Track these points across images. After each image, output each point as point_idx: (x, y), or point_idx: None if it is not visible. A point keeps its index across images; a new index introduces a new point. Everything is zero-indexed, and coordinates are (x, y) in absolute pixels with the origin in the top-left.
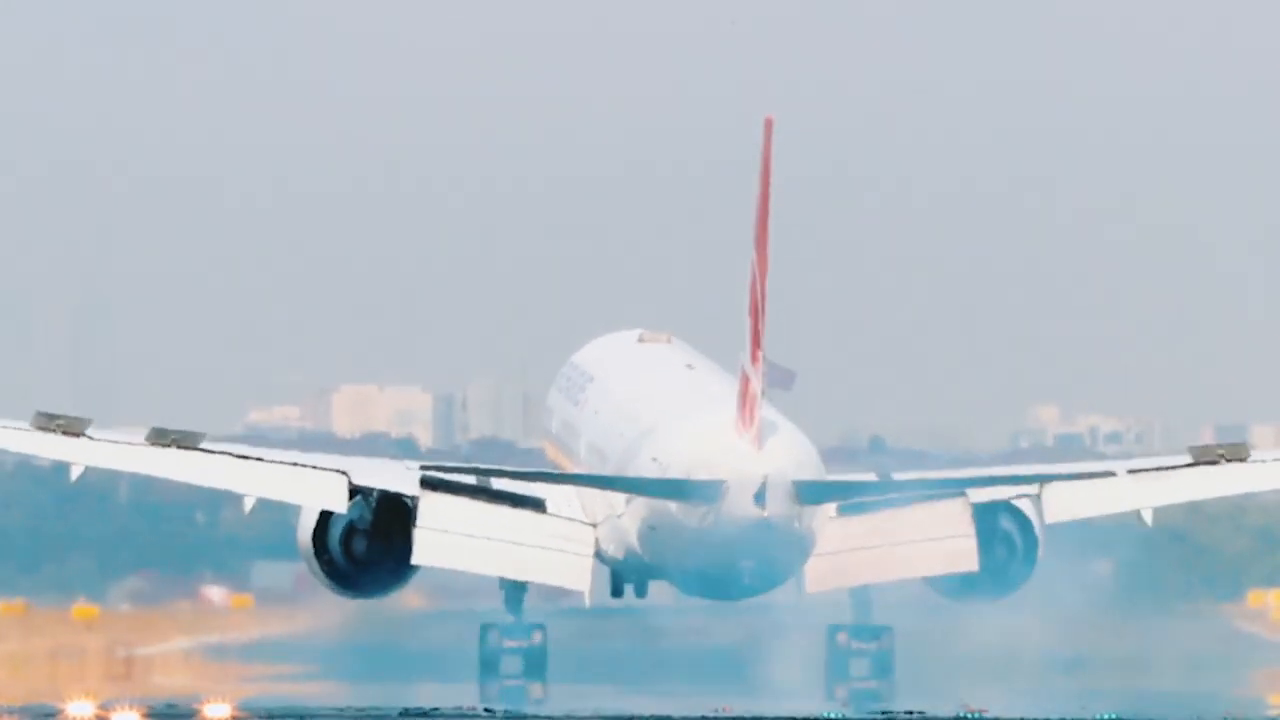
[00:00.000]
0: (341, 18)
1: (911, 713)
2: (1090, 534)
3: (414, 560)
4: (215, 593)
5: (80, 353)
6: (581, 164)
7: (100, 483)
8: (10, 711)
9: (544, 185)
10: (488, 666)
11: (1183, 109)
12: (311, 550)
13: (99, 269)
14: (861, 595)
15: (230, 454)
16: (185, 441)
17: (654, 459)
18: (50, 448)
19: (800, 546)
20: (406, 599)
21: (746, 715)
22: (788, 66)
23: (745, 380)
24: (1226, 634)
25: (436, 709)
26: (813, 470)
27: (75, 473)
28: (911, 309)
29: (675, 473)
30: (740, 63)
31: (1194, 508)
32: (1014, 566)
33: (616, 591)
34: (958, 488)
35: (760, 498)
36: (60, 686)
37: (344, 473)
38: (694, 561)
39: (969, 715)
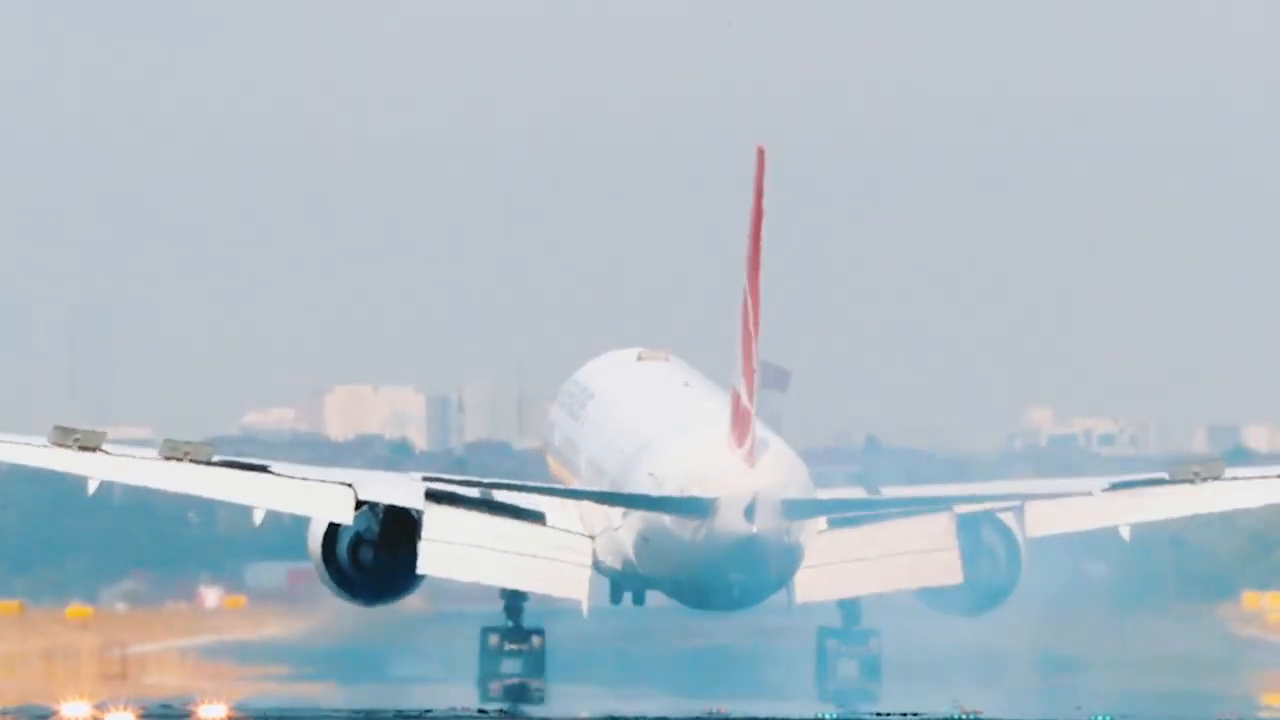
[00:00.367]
0: (338, 21)
1: (906, 714)
2: (1086, 535)
3: (419, 570)
4: (210, 593)
5: (77, 356)
6: (579, 165)
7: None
8: (6, 712)
9: (540, 186)
10: (487, 669)
11: (1178, 111)
12: (321, 559)
13: (96, 273)
14: (850, 601)
15: (241, 467)
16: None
17: (650, 474)
18: (67, 462)
19: (789, 560)
20: (406, 601)
21: (742, 717)
22: (784, 68)
23: (737, 400)
24: (1222, 636)
25: (431, 711)
26: (802, 487)
27: (92, 486)
28: (907, 310)
29: (670, 487)
30: (739, 65)
31: None
32: (997, 579)
33: (615, 599)
34: (943, 505)
35: (750, 513)
36: (55, 687)
37: (350, 485)
38: (686, 574)
39: (963, 717)
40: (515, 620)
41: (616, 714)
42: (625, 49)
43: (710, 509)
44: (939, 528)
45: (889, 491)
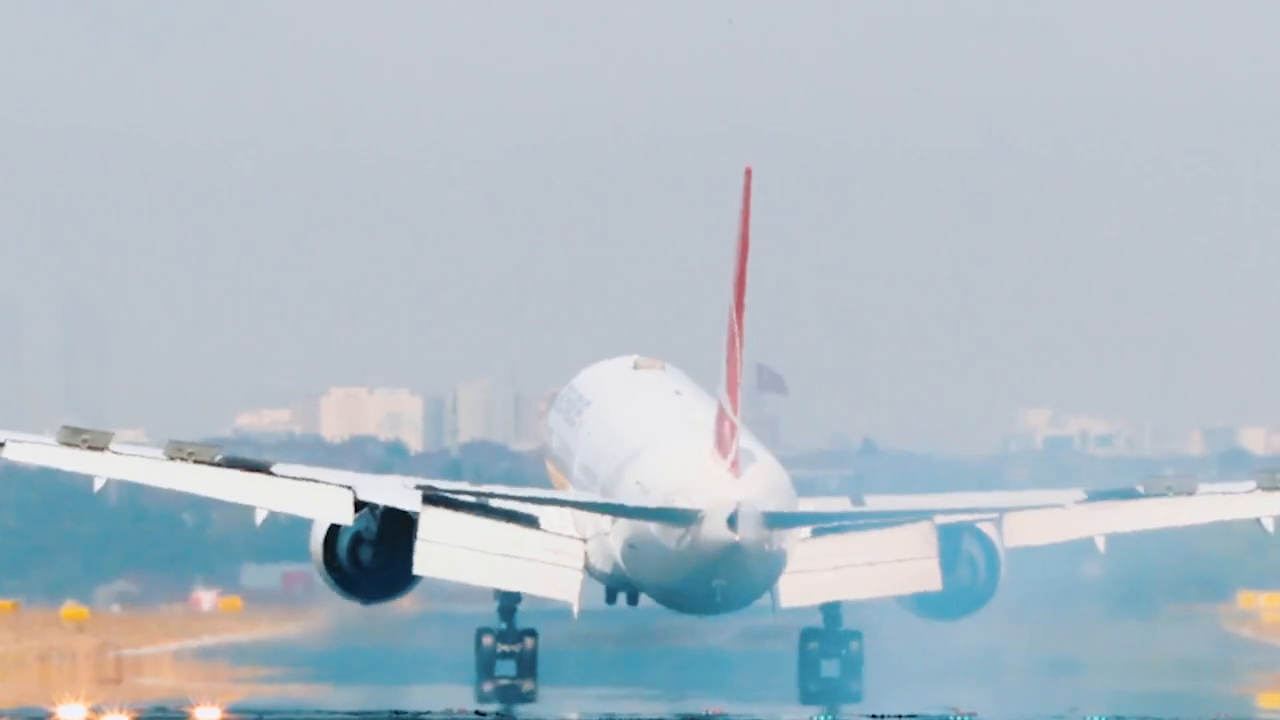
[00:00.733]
0: (333, 28)
1: (902, 715)
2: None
3: (414, 570)
4: (205, 595)
5: (72, 357)
6: (576, 168)
7: (89, 484)
8: (2, 714)
9: (536, 187)
10: (482, 670)
11: (1176, 115)
12: (322, 558)
13: (90, 275)
14: (832, 604)
15: (245, 466)
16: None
17: (638, 482)
18: (75, 461)
19: (771, 567)
20: (401, 602)
21: (736, 717)
22: (782, 75)
23: (721, 413)
24: (1217, 636)
25: (428, 712)
26: (784, 498)
27: (98, 484)
28: (903, 313)
29: (656, 496)
30: (738, 68)
31: None
32: (977, 586)
33: (610, 599)
34: (922, 516)
35: (733, 523)
36: (50, 689)
37: (350, 488)
38: (671, 579)
39: (959, 718)
40: (509, 621)
41: (614, 714)
42: (625, 55)
43: (694, 519)
44: (919, 537)
45: (872, 500)
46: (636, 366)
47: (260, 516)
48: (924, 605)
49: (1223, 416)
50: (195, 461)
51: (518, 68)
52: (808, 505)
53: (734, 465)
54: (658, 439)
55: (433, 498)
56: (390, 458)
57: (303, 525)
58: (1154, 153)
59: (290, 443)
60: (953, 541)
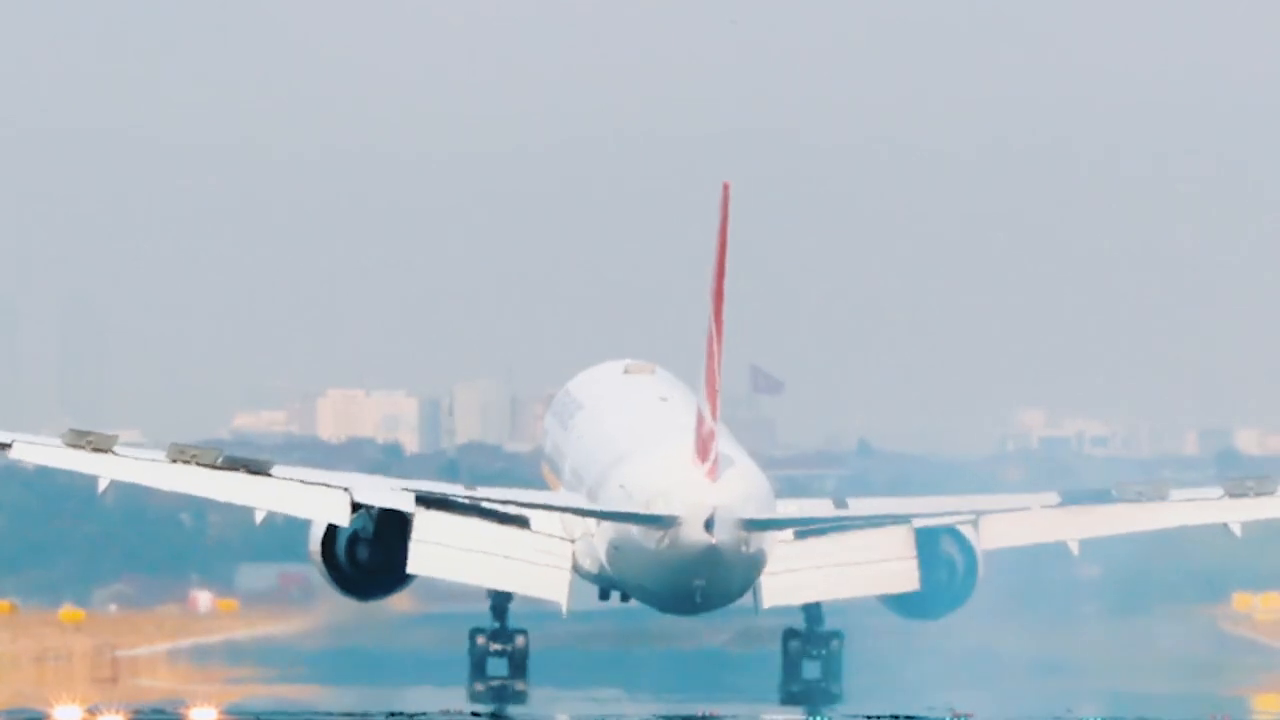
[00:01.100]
0: (330, 30)
1: (899, 715)
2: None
3: (408, 570)
4: (201, 596)
5: (70, 357)
6: (573, 169)
7: (86, 486)
8: None
9: (532, 190)
10: (475, 669)
11: (1173, 116)
12: (321, 557)
13: (87, 276)
14: (813, 605)
15: (246, 468)
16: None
17: (620, 486)
18: (80, 463)
19: (749, 569)
20: (397, 603)
21: (730, 717)
22: (780, 70)
23: (701, 421)
24: (1212, 636)
25: (424, 713)
26: (761, 502)
27: (102, 485)
28: (899, 314)
29: (638, 499)
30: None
31: None
32: (955, 586)
33: (603, 595)
34: (899, 521)
35: (710, 527)
36: (47, 690)
37: (347, 489)
38: (652, 580)
39: (955, 719)
40: (500, 621)
41: (606, 716)
42: (625, 56)
43: (672, 523)
44: (898, 539)
45: (855, 503)
46: (628, 371)
47: (259, 516)
48: (905, 605)
49: (1218, 418)
50: (197, 464)
51: (515, 69)
52: (789, 508)
53: (712, 470)
54: (642, 444)
55: (426, 499)
56: (387, 459)
57: (298, 527)
58: (1150, 154)
59: (287, 444)
60: (932, 543)
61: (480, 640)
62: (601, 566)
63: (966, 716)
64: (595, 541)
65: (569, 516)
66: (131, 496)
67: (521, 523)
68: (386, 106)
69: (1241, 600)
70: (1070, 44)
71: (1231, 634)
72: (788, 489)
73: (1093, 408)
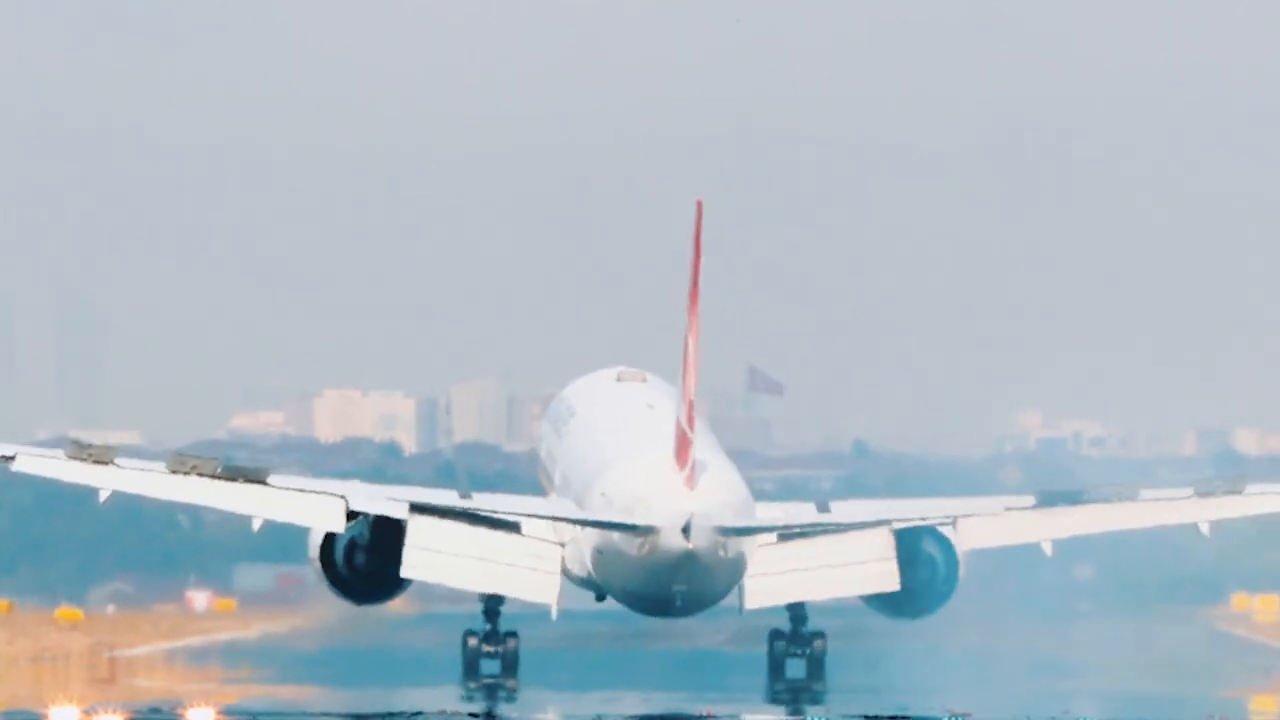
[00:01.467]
0: (328, 30)
1: (897, 716)
2: (1076, 536)
3: (402, 574)
4: (198, 596)
5: (66, 358)
6: (570, 170)
7: (83, 486)
8: None
9: (531, 189)
10: (468, 670)
11: (1171, 117)
12: (319, 562)
13: (83, 276)
14: (797, 605)
15: (242, 477)
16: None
17: (603, 493)
18: (81, 474)
19: (729, 573)
20: (393, 605)
21: (728, 717)
22: (779, 70)
23: (680, 430)
24: (1210, 636)
25: (420, 712)
26: (739, 508)
27: (103, 496)
28: (897, 315)
29: (619, 506)
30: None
31: None
32: (937, 585)
33: (600, 598)
34: (877, 525)
35: (687, 533)
36: (44, 690)
37: (343, 497)
38: (634, 584)
39: (953, 718)
40: (493, 623)
41: (602, 715)
42: (625, 56)
43: (651, 530)
44: (879, 540)
45: (837, 507)
46: (620, 379)
47: (258, 523)
48: (887, 605)
49: (1216, 418)
50: (197, 475)
51: (515, 69)
52: (771, 512)
53: (690, 478)
54: (626, 452)
55: (420, 505)
56: (384, 459)
57: (295, 529)
58: (1149, 155)
59: (285, 444)
60: (914, 544)
61: (473, 641)
62: (587, 570)
63: (964, 716)
64: (581, 546)
65: (558, 522)
66: (129, 497)
67: (513, 528)
68: (386, 106)
69: (1240, 601)
70: (1070, 44)
71: (1229, 634)
72: (784, 490)
73: (1090, 409)
